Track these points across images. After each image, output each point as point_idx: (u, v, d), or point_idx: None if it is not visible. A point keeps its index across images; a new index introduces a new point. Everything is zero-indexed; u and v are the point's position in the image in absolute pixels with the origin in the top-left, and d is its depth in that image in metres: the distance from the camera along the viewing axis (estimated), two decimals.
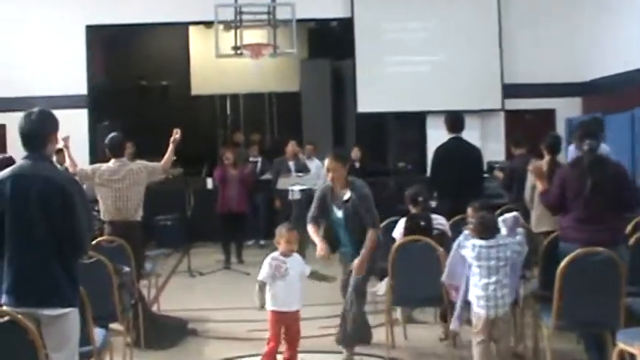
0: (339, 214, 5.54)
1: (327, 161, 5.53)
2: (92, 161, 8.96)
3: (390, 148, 13.22)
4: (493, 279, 4.74)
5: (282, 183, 9.96)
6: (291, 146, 10.82)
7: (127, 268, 5.42)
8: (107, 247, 5.78)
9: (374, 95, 11.99)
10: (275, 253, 5.06)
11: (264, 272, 4.97)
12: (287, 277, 4.95)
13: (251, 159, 11.74)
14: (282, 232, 5.08)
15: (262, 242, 11.19)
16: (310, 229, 5.52)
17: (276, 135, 15.72)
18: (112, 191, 6.35)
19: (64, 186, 3.67)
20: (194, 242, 10.64)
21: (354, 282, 5.46)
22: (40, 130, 3.73)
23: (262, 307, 4.93)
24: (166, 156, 6.66)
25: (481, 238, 4.81)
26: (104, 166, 6.48)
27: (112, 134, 6.68)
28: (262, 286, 4.96)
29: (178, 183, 10.05)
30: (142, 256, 6.69)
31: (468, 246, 4.83)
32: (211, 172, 10.81)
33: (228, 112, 16.06)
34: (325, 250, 5.28)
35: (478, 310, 4.81)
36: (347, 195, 5.47)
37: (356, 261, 5.40)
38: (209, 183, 11.43)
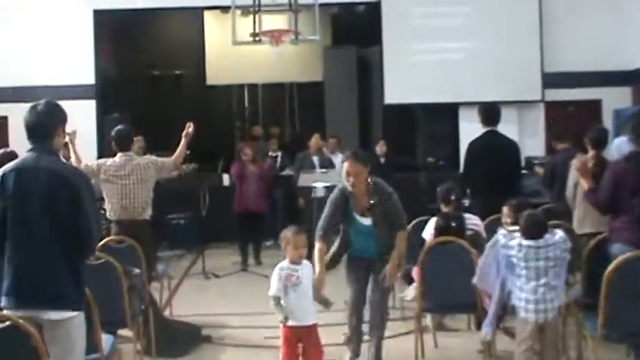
0: (365, 221, 5.36)
1: (346, 164, 5.26)
2: (100, 156, 9.00)
3: (419, 142, 13.18)
4: (542, 281, 4.69)
5: (303, 179, 9.90)
6: (315, 140, 10.81)
7: (137, 270, 5.42)
8: (116, 247, 5.80)
9: (403, 85, 11.93)
10: (283, 263, 4.80)
11: (274, 286, 4.70)
12: (299, 287, 4.71)
13: (270, 154, 11.76)
14: (287, 236, 4.77)
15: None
16: (317, 246, 5.18)
17: (297, 128, 15.75)
18: (118, 188, 6.36)
19: (70, 179, 3.69)
20: (209, 243, 10.66)
21: (379, 293, 5.35)
22: (46, 122, 3.77)
23: (287, 318, 4.65)
24: (178, 151, 6.67)
25: (529, 238, 4.75)
26: (109, 160, 6.49)
27: (119, 126, 6.70)
28: (277, 299, 4.69)
29: (192, 179, 10.07)
30: (153, 257, 6.73)
31: (514, 246, 4.77)
32: (228, 167, 10.84)
33: (246, 103, 16.09)
34: (322, 285, 4.93)
35: (526, 316, 4.75)
36: (374, 199, 5.30)
37: (388, 267, 5.27)
38: (225, 179, 11.46)
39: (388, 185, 5.43)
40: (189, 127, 6.70)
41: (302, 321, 4.71)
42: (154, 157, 6.68)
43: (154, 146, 9.62)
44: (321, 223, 5.30)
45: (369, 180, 5.32)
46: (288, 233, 4.80)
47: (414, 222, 6.48)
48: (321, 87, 14.11)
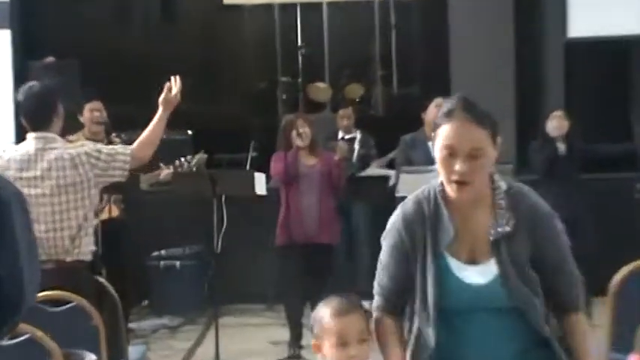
0: (477, 278, 4.40)
1: (447, 128, 4.34)
2: (19, 133, 9.06)
3: (634, 111, 13.11)
4: None
5: (408, 184, 9.78)
6: (435, 111, 10.71)
7: (91, 356, 5.42)
8: (50, 312, 5.83)
9: (602, 4, 11.86)
10: None
11: None
12: None
13: (342, 135, 11.73)
14: (322, 319, 4.30)
15: (367, 304, 11.16)
16: (380, 330, 4.60)
17: (395, 87, 15.69)
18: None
19: None
20: (227, 303, 10.80)
21: None
22: None
23: None
24: (146, 132, 6.76)
25: None
26: (10, 151, 6.60)
27: (32, 83, 6.78)
28: None
29: (198, 183, 10.06)
30: (120, 330, 6.72)
31: None
32: (266, 160, 10.80)
33: (299, 40, 16.10)
34: None
35: None
36: (506, 221, 4.39)
37: None
38: (260, 183, 11.41)
39: (540, 198, 4.78)
40: (171, 88, 6.75)
41: None
42: (93, 145, 6.74)
43: (127, 120, 9.64)
44: (379, 282, 4.74)
45: (494, 177, 4.56)
46: (324, 313, 4.35)
47: (625, 270, 6.30)
48: (443, 8, 14.03)
